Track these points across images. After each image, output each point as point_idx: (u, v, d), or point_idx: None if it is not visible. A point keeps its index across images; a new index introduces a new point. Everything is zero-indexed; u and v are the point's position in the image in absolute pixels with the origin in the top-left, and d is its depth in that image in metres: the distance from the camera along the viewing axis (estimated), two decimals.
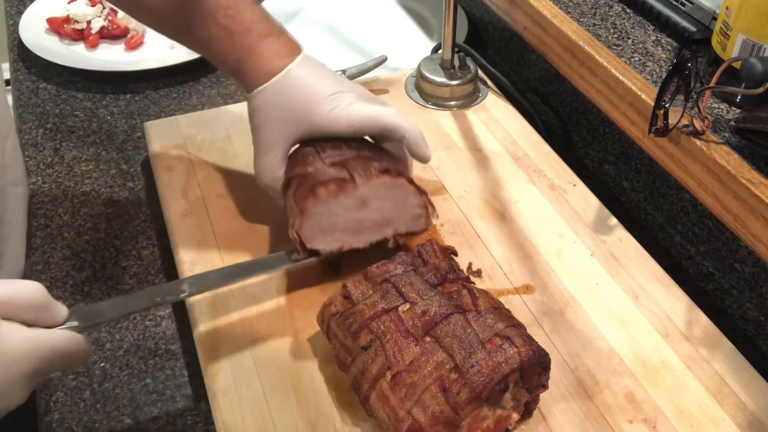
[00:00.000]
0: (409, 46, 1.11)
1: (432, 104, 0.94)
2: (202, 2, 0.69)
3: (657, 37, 0.84)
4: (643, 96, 0.74)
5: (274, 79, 0.68)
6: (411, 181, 0.68)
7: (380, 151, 0.70)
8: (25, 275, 0.79)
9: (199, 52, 0.75)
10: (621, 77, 0.77)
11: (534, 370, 0.57)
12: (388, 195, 0.67)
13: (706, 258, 0.77)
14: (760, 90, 0.63)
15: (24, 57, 1.08)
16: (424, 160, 0.71)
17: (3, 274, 0.80)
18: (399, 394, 0.55)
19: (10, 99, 1.04)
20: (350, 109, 0.68)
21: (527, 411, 0.59)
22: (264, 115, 0.69)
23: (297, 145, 0.70)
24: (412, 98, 0.95)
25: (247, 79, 0.70)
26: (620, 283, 0.71)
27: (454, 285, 0.61)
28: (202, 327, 0.67)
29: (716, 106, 0.73)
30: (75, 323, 0.52)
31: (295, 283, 0.70)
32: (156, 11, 0.72)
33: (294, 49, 0.71)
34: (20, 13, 1.14)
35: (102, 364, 0.68)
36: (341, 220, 0.66)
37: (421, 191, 0.68)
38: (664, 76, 0.66)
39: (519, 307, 0.68)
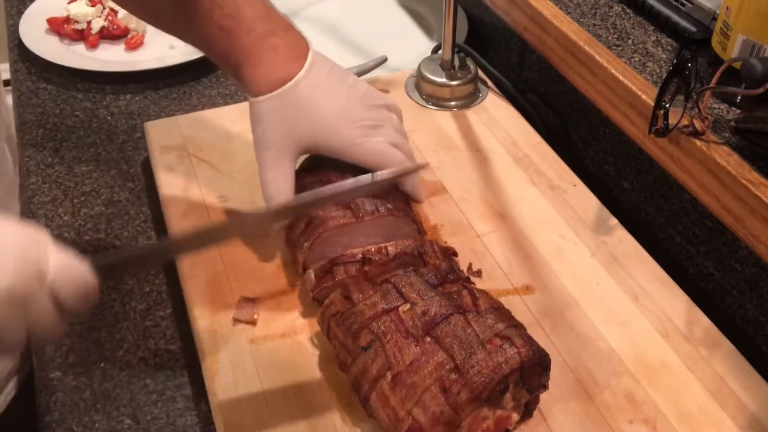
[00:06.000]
0: (409, 46, 1.11)
1: (432, 104, 0.94)
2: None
3: (657, 37, 0.84)
4: (643, 96, 0.74)
5: (279, 91, 0.66)
6: (411, 215, 0.71)
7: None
8: None
9: (201, 50, 0.73)
10: (621, 77, 0.77)
11: (534, 370, 0.57)
12: (390, 229, 0.68)
13: (706, 258, 0.77)
14: (760, 90, 0.63)
15: (24, 57, 1.08)
16: (417, 201, 0.78)
17: None
18: (399, 394, 0.55)
19: (9, 99, 1.04)
20: (360, 147, 0.69)
21: (527, 411, 0.59)
22: (268, 126, 0.67)
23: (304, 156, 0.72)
24: (412, 98, 0.95)
25: (247, 85, 0.68)
26: (620, 283, 0.71)
27: (455, 285, 0.61)
28: (202, 327, 0.67)
29: (716, 106, 0.73)
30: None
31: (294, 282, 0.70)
32: (154, 9, 0.70)
33: (300, 51, 0.68)
34: (20, 13, 1.14)
35: (102, 364, 0.68)
36: (344, 246, 0.67)
37: (417, 223, 0.71)
38: (664, 77, 0.66)
39: (519, 308, 0.68)
